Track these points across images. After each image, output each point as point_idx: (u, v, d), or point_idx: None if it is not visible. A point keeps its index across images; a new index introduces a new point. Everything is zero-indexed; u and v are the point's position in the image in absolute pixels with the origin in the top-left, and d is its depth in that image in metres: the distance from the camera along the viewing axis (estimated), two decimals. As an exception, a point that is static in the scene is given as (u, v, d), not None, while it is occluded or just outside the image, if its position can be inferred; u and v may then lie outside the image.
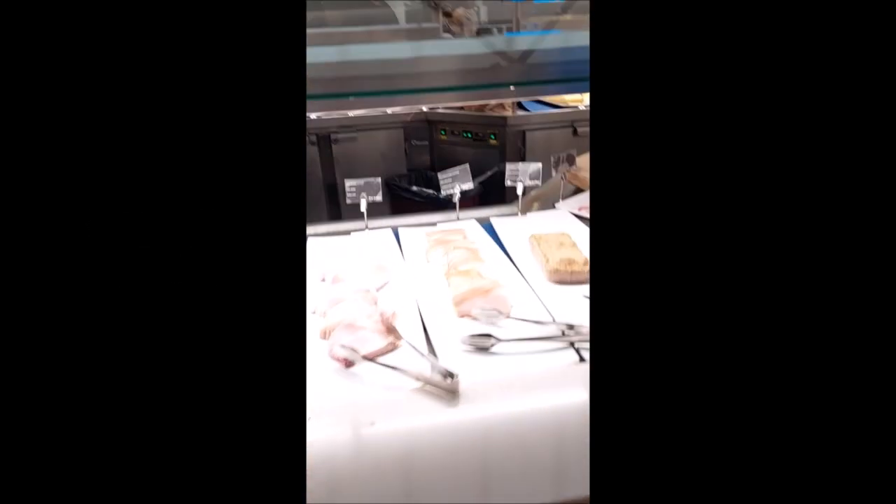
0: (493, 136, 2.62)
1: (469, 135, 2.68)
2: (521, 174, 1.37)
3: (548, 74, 1.34)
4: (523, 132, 2.59)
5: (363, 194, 1.29)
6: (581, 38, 1.42)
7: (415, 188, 2.57)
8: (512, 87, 1.38)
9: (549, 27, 2.77)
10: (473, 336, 0.88)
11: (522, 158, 2.61)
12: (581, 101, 2.60)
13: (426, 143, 2.78)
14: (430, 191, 2.55)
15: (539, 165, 1.37)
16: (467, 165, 1.37)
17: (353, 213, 1.34)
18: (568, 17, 2.94)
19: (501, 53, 1.38)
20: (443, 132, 2.74)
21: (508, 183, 1.38)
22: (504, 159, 2.60)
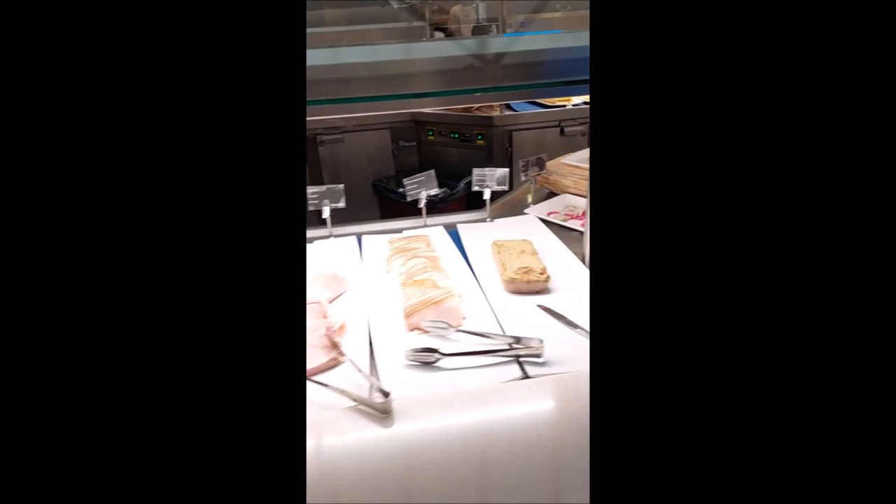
0: (479, 137, 2.60)
1: (456, 135, 2.66)
2: (487, 179, 1.35)
3: (536, 77, 1.32)
4: (510, 132, 2.56)
5: (325, 201, 1.28)
6: (571, 38, 1.39)
7: (401, 190, 2.55)
8: (478, 94, 1.36)
9: (538, 26, 2.74)
10: (416, 351, 0.86)
11: (510, 158, 2.58)
12: (569, 100, 2.57)
13: (414, 144, 2.76)
14: (418, 192, 2.53)
15: (506, 171, 1.35)
16: (433, 171, 1.35)
17: (340, 218, 1.32)
18: (558, 14, 2.91)
19: (479, 55, 1.36)
20: (430, 133, 2.72)
21: (475, 188, 1.36)
22: (491, 159, 2.58)
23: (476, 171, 1.36)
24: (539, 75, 1.35)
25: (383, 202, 2.63)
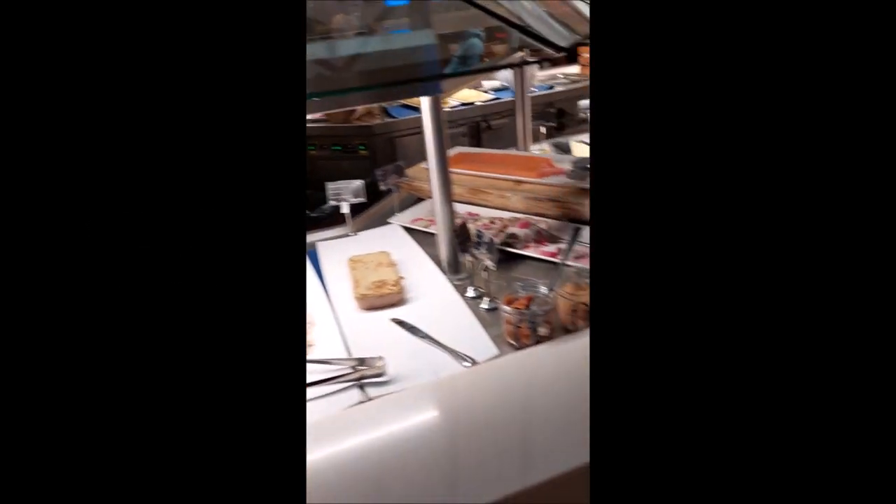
0: (362, 147, 2.55)
1: (339, 147, 2.59)
2: (343, 192, 1.30)
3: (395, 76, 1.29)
4: (392, 139, 2.53)
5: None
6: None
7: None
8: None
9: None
10: (248, 391, 0.80)
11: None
12: (446, 102, 2.57)
13: (296, 160, 2.67)
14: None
15: (361, 182, 1.30)
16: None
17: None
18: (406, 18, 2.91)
19: (324, 61, 1.31)
20: (312, 147, 2.63)
21: (332, 203, 1.30)
22: (377, 168, 2.54)
23: (330, 186, 1.30)
24: (392, 76, 1.32)
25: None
